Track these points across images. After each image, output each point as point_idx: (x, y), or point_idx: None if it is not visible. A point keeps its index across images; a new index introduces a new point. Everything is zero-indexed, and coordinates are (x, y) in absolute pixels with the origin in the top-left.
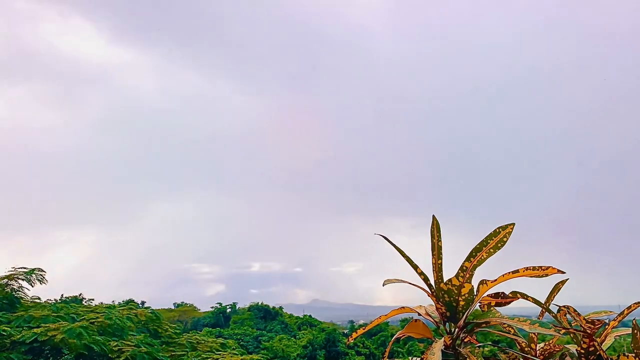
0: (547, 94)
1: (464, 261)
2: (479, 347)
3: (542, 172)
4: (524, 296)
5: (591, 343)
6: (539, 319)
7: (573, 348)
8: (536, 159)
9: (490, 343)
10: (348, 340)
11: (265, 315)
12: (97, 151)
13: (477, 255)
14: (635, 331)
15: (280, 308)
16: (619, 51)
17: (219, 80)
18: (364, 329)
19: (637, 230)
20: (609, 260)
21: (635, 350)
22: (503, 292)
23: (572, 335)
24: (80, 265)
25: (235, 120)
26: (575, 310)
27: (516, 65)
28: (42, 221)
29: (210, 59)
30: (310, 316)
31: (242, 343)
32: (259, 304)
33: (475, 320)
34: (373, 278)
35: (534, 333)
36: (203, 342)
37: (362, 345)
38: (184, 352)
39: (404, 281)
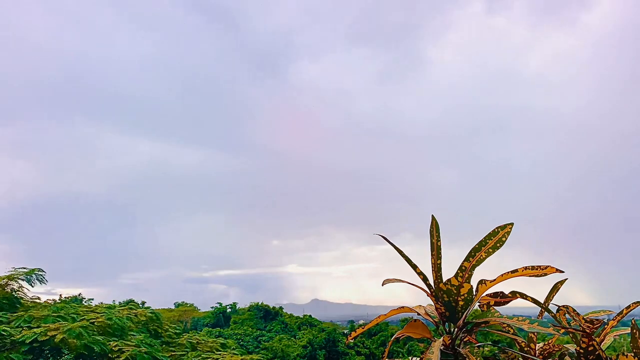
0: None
1: (463, 261)
2: (479, 346)
3: (541, 172)
4: (523, 296)
5: (590, 343)
6: (538, 318)
7: (572, 348)
8: (537, 159)
9: (490, 343)
10: (347, 340)
11: (265, 315)
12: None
13: (476, 255)
14: (634, 331)
15: (280, 308)
16: None
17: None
18: (362, 329)
19: (636, 230)
20: (608, 260)
21: (634, 350)
22: (502, 292)
23: (571, 334)
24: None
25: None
26: (574, 310)
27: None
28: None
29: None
30: (310, 316)
31: (242, 343)
32: (259, 304)
33: (474, 320)
34: (373, 278)
35: (533, 333)
36: (203, 342)
37: (362, 345)
38: (184, 352)
39: (403, 281)
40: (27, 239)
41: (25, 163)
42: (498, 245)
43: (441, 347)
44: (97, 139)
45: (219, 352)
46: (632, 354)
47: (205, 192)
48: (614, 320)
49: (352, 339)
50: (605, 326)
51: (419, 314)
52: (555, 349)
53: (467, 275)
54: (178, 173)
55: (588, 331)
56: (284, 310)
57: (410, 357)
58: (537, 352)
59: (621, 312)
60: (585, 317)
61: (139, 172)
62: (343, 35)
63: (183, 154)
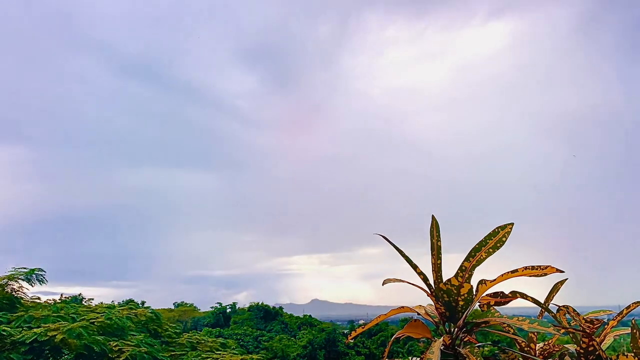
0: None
1: (463, 261)
2: (479, 346)
3: (539, 167)
4: (524, 296)
5: (590, 343)
6: (538, 318)
7: (572, 348)
8: (533, 152)
9: (490, 343)
10: (347, 340)
11: (265, 315)
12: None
13: (476, 255)
14: (634, 331)
15: (280, 308)
16: None
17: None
18: (362, 328)
19: (636, 229)
20: (608, 259)
21: (634, 350)
22: (502, 292)
23: (571, 334)
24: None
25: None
26: (574, 310)
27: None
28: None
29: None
30: (310, 316)
31: (242, 343)
32: (259, 304)
33: (474, 320)
34: (373, 278)
35: (534, 333)
36: (203, 342)
37: (362, 345)
38: (184, 352)
39: (403, 281)
40: (37, 244)
41: (39, 179)
42: (498, 245)
43: (441, 347)
44: (106, 166)
45: (219, 352)
46: (632, 354)
47: (203, 203)
48: (614, 320)
49: (352, 339)
50: (606, 326)
51: (419, 314)
52: (556, 349)
53: (467, 275)
54: (178, 190)
55: (588, 331)
56: (284, 310)
57: (410, 357)
58: (537, 352)
59: (621, 312)
60: (585, 317)
61: (139, 191)
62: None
63: (178, 175)
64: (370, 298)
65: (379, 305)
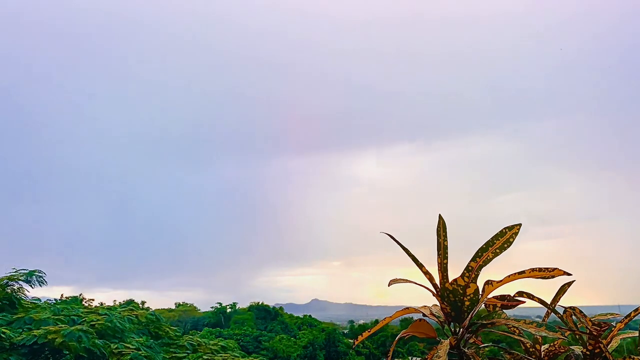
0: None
1: (470, 261)
2: (484, 347)
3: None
4: (530, 296)
5: (597, 345)
6: (544, 319)
7: (578, 349)
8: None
9: (492, 344)
10: (354, 344)
11: (265, 315)
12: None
13: (482, 255)
14: None
15: (281, 308)
16: None
17: None
18: (369, 332)
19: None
20: (613, 260)
21: None
22: (509, 295)
23: (577, 336)
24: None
25: None
26: (581, 312)
27: None
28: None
29: None
30: (310, 316)
31: (242, 343)
32: (259, 304)
33: (480, 321)
34: (373, 278)
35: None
36: (204, 344)
37: (362, 345)
38: (184, 354)
39: (409, 281)
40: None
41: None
42: (505, 246)
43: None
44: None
45: (220, 355)
46: (638, 357)
47: (204, 205)
48: (621, 322)
49: (358, 343)
50: (613, 329)
51: (424, 315)
52: (561, 351)
53: (473, 276)
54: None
55: (595, 333)
56: (284, 310)
57: (410, 358)
58: (542, 353)
59: (629, 315)
60: (592, 319)
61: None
62: None
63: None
64: (370, 298)
65: (379, 305)
